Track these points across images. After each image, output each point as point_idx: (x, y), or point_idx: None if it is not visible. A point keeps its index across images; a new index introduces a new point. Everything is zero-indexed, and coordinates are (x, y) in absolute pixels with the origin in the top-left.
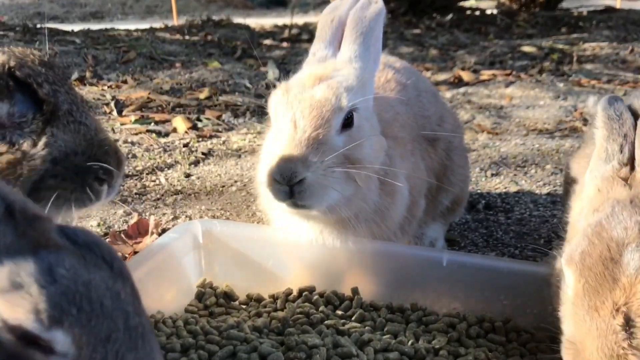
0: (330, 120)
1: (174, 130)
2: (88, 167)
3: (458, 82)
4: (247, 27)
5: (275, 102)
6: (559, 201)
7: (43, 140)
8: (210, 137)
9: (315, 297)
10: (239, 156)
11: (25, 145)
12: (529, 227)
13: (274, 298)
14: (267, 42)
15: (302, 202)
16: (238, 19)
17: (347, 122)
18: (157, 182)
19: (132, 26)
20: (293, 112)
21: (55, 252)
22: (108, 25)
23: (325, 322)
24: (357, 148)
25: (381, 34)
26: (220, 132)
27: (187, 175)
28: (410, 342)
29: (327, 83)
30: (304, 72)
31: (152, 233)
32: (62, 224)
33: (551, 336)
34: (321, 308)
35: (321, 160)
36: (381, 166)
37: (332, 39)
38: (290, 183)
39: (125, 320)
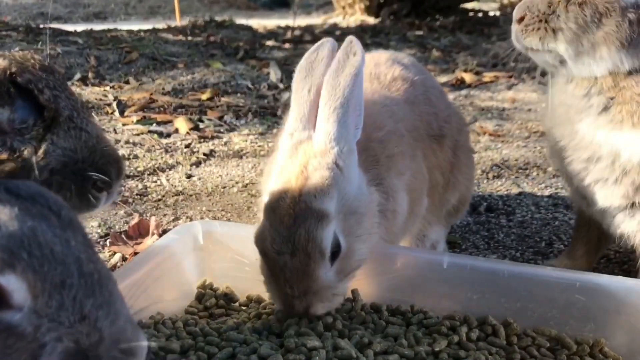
0: (316, 271)
1: (176, 131)
2: (87, 175)
3: (460, 84)
4: (249, 28)
5: (260, 249)
6: (560, 204)
7: (43, 147)
8: (212, 138)
9: None
10: (241, 157)
11: (26, 152)
12: (531, 229)
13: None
14: (270, 43)
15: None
16: (241, 20)
17: (335, 252)
18: (159, 182)
19: (135, 27)
20: (283, 276)
21: None
22: (111, 26)
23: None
24: (351, 263)
25: (362, 93)
26: (222, 133)
27: (189, 176)
28: (410, 345)
29: (305, 228)
30: (277, 164)
31: (153, 234)
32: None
33: (551, 339)
34: None
35: (320, 300)
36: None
37: (309, 115)
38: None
39: (79, 266)
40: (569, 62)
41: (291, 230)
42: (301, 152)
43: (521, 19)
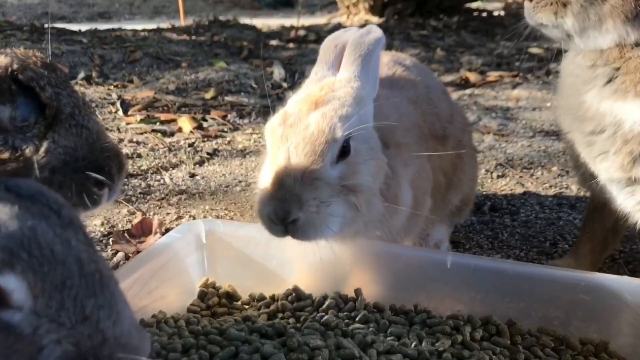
0: (324, 153)
1: (179, 130)
2: (87, 173)
3: (464, 84)
4: (253, 28)
5: (272, 131)
6: (565, 203)
7: (44, 145)
8: (216, 137)
9: (318, 298)
10: (244, 156)
11: (28, 150)
12: (535, 229)
13: (277, 299)
14: (274, 42)
15: (298, 238)
16: (245, 20)
17: (343, 151)
18: (162, 181)
19: (139, 26)
20: (287, 147)
21: None
22: (115, 26)
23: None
24: (354, 176)
25: (379, 61)
26: (226, 132)
27: (192, 175)
28: (413, 345)
29: (322, 112)
30: (302, 93)
31: (156, 232)
32: (3, 177)
33: (556, 339)
34: (323, 308)
35: (314, 196)
36: (384, 181)
37: (334, 62)
38: (283, 223)
39: (80, 266)
40: (575, 36)
41: (310, 112)
42: (325, 81)
43: None
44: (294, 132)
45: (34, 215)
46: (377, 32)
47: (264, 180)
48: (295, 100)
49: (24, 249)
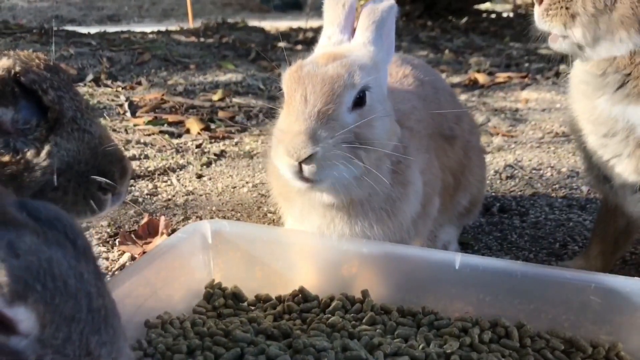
0: (341, 96)
1: (187, 131)
2: (91, 177)
3: (473, 85)
4: (261, 30)
5: (288, 77)
6: (574, 204)
7: (46, 148)
8: (223, 138)
9: (325, 299)
10: (251, 158)
11: (29, 153)
12: (544, 230)
13: (283, 300)
14: (282, 44)
15: (311, 176)
16: (253, 22)
17: (359, 101)
18: (169, 182)
19: (148, 29)
20: (304, 87)
21: (15, 229)
22: (124, 28)
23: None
24: (368, 127)
25: (393, 28)
26: (233, 133)
27: (199, 176)
28: (421, 347)
29: (341, 61)
30: (318, 52)
31: (162, 233)
32: (23, 199)
33: (566, 342)
34: (329, 310)
35: (331, 135)
36: (393, 153)
37: (346, 24)
38: (299, 159)
39: (89, 301)
40: (587, 48)
41: (329, 63)
42: (342, 45)
43: (541, 1)
44: (312, 76)
45: (50, 245)
46: (390, 1)
47: (280, 122)
48: (312, 56)
49: (39, 281)
